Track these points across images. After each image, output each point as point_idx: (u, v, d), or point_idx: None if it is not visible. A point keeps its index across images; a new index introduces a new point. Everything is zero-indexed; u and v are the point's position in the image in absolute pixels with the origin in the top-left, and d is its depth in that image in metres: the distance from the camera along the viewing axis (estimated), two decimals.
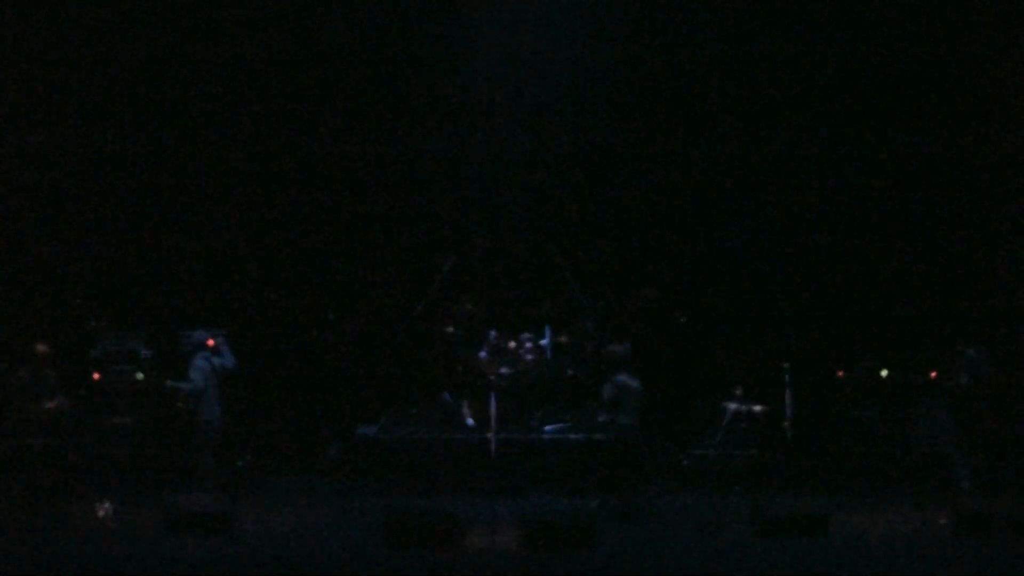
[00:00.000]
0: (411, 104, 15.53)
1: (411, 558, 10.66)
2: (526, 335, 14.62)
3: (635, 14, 15.10)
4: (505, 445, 13.13)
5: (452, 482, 13.29)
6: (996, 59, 14.84)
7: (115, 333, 14.05)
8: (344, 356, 15.57)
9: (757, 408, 12.91)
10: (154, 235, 15.53)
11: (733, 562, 10.65)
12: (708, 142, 15.55)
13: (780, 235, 15.50)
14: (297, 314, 15.66)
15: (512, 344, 14.49)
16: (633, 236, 15.74)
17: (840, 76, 15.15)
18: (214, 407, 12.48)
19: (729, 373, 13.83)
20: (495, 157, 15.62)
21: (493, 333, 14.55)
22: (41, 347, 12.47)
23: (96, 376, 13.65)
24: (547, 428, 13.98)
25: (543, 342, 14.67)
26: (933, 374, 13.40)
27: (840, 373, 13.86)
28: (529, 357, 14.47)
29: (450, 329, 14.75)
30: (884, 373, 13.72)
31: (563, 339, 14.67)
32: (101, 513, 12.04)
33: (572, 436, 13.62)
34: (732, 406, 12.80)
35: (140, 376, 13.67)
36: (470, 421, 14.16)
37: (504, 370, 14.28)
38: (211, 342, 12.74)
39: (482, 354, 14.43)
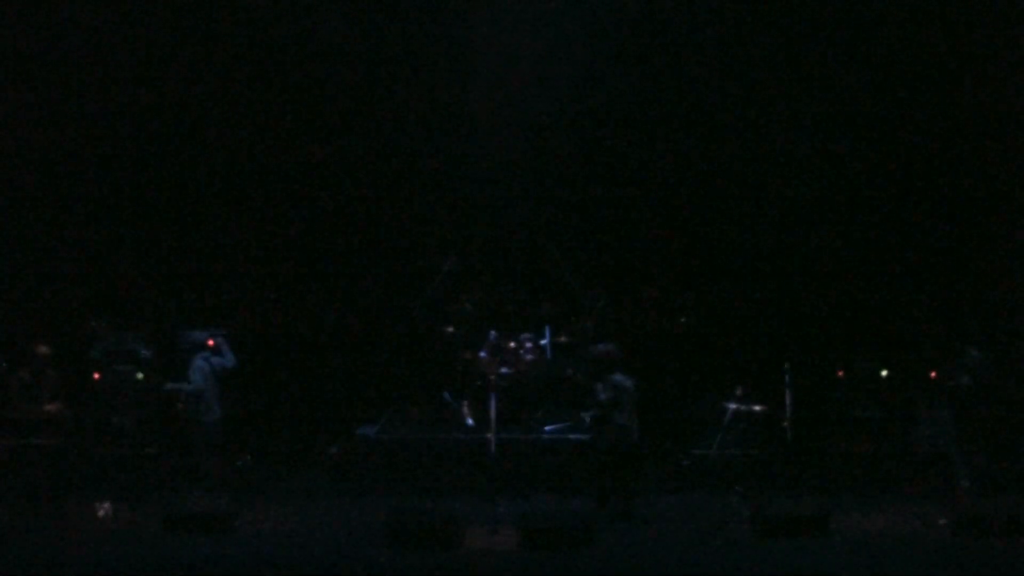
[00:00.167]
0: (411, 104, 15.53)
1: (411, 558, 10.66)
2: (526, 335, 14.61)
3: (635, 14, 15.10)
4: (505, 445, 13.13)
5: (452, 482, 13.28)
6: (997, 58, 14.83)
7: (115, 333, 14.06)
8: (344, 356, 15.57)
9: (757, 408, 12.90)
10: (154, 235, 15.53)
11: (733, 562, 10.65)
12: (708, 141, 15.54)
13: (780, 235, 15.48)
14: (297, 314, 15.66)
15: (512, 344, 14.48)
16: (633, 236, 15.72)
17: (841, 75, 15.14)
18: (214, 407, 12.48)
19: (729, 373, 13.82)
20: (495, 157, 15.61)
21: (493, 333, 14.54)
22: (42, 348, 12.47)
23: (96, 376, 13.65)
24: (547, 428, 13.98)
25: (543, 342, 14.66)
26: (933, 374, 13.40)
27: (840, 373, 13.85)
28: (529, 357, 14.47)
29: (450, 329, 14.75)
30: (884, 373, 13.71)
31: (563, 339, 14.67)
32: (101, 513, 12.04)
33: (572, 436, 13.61)
34: (732, 406, 12.79)
35: (140, 376, 13.67)
36: (470, 421, 14.15)
37: (504, 370, 14.28)
38: (211, 342, 12.73)
39: (482, 354, 14.43)
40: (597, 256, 15.65)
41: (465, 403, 14.35)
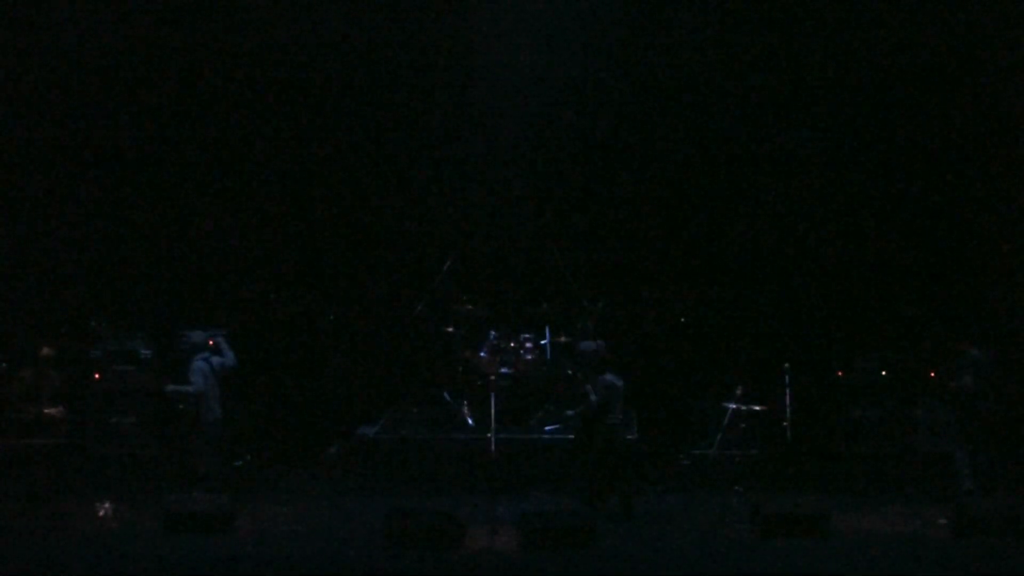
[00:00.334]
0: (412, 103, 15.53)
1: (411, 558, 10.67)
2: (526, 335, 14.61)
3: (635, 13, 15.10)
4: (505, 445, 13.13)
5: (452, 482, 13.28)
6: (998, 58, 14.82)
7: (115, 333, 14.06)
8: (344, 356, 15.58)
9: (757, 408, 12.90)
10: (154, 235, 15.53)
11: (733, 562, 10.66)
12: (709, 142, 15.54)
13: (780, 235, 15.48)
14: (297, 314, 15.66)
15: (512, 344, 14.48)
16: (633, 236, 15.72)
17: (842, 75, 15.14)
18: (214, 407, 12.47)
19: (729, 373, 13.82)
20: (496, 157, 15.62)
21: (493, 333, 14.54)
22: (45, 350, 12.47)
23: (96, 376, 13.65)
24: (547, 428, 13.97)
25: (543, 342, 14.66)
26: (933, 374, 13.40)
27: (840, 373, 13.85)
28: (529, 357, 14.46)
29: (450, 329, 14.74)
30: (884, 373, 13.71)
31: (563, 339, 14.67)
32: (101, 513, 12.04)
33: (572, 436, 13.61)
34: (732, 406, 12.79)
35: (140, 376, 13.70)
36: (470, 421, 14.15)
37: (504, 370, 14.28)
38: (211, 342, 12.73)
39: (482, 354, 14.42)
40: (597, 256, 15.64)
41: (465, 403, 14.35)
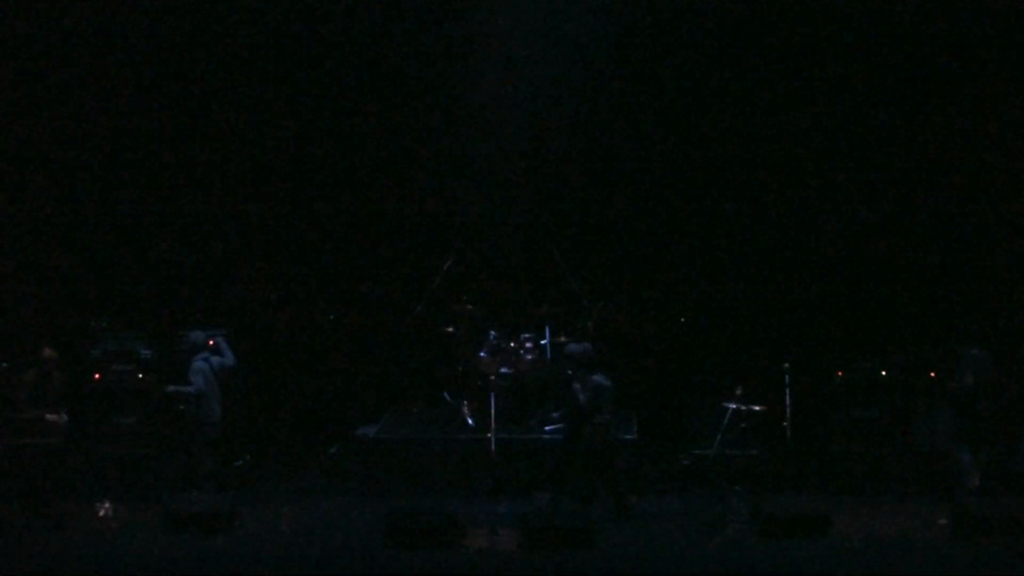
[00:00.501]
0: (412, 103, 15.52)
1: (411, 558, 10.67)
2: (526, 335, 14.61)
3: (636, 13, 15.10)
4: (505, 445, 13.12)
5: (452, 482, 13.28)
6: (998, 57, 14.82)
7: (115, 333, 14.05)
8: (344, 356, 15.57)
9: (757, 408, 12.89)
10: (154, 234, 15.52)
11: (733, 562, 10.65)
12: (709, 141, 15.53)
13: (780, 235, 15.48)
14: (297, 314, 15.66)
15: (512, 344, 14.47)
16: (633, 236, 15.72)
17: (842, 74, 15.14)
18: (214, 408, 12.47)
19: (729, 373, 13.82)
20: (497, 157, 15.61)
21: (493, 333, 14.54)
22: (48, 352, 12.47)
23: (96, 376, 13.64)
24: (547, 428, 13.97)
25: (543, 342, 14.66)
26: (933, 374, 13.39)
27: (840, 373, 13.84)
28: (529, 357, 14.46)
29: (450, 329, 14.74)
30: (884, 373, 13.70)
31: (563, 339, 14.66)
32: (101, 513, 12.04)
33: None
34: (732, 406, 12.78)
35: (140, 376, 13.68)
36: (470, 421, 14.15)
37: (504, 370, 14.27)
38: (211, 343, 12.73)
39: (482, 354, 14.42)
40: (597, 256, 15.63)
41: (465, 403, 14.35)
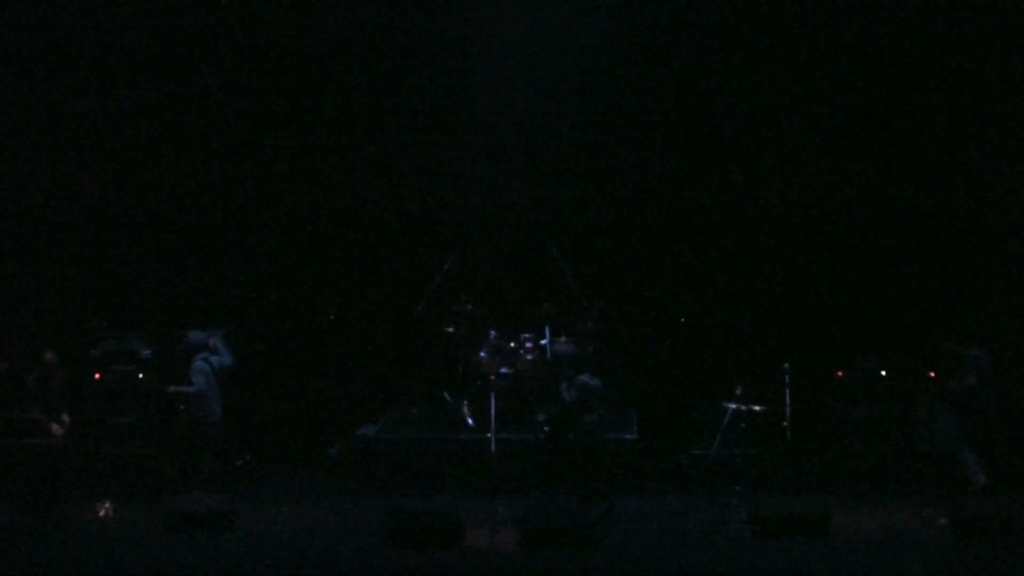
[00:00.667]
0: (412, 102, 15.52)
1: (411, 558, 10.67)
2: (526, 335, 14.61)
3: (634, 14, 15.10)
4: (505, 445, 13.13)
5: (452, 482, 13.28)
6: (998, 58, 14.83)
7: (115, 333, 14.06)
8: (344, 356, 15.57)
9: (757, 408, 12.90)
10: (155, 235, 15.53)
11: (733, 562, 10.66)
12: (709, 141, 15.54)
13: (780, 235, 15.48)
14: (297, 314, 15.66)
15: (512, 344, 14.48)
16: (633, 236, 15.73)
17: (842, 74, 15.14)
18: (215, 407, 12.48)
19: (729, 373, 13.82)
20: (497, 156, 15.62)
21: (493, 333, 14.54)
22: (49, 355, 12.48)
23: (96, 376, 13.65)
24: (547, 428, 13.95)
25: (543, 342, 14.66)
26: (932, 374, 13.40)
27: (840, 373, 13.85)
28: (529, 357, 14.46)
29: (450, 329, 14.74)
30: (884, 373, 13.71)
31: (563, 339, 14.66)
32: (101, 513, 12.04)
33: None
34: (732, 406, 12.78)
35: (140, 376, 13.70)
36: (470, 421, 14.15)
37: (504, 370, 14.27)
38: (210, 343, 12.74)
39: (482, 354, 14.42)
40: (597, 256, 15.63)
41: (465, 403, 14.35)
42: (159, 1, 15.02)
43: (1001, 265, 14.84)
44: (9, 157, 15.13)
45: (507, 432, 13.48)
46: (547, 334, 14.64)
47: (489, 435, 12.77)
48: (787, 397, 12.90)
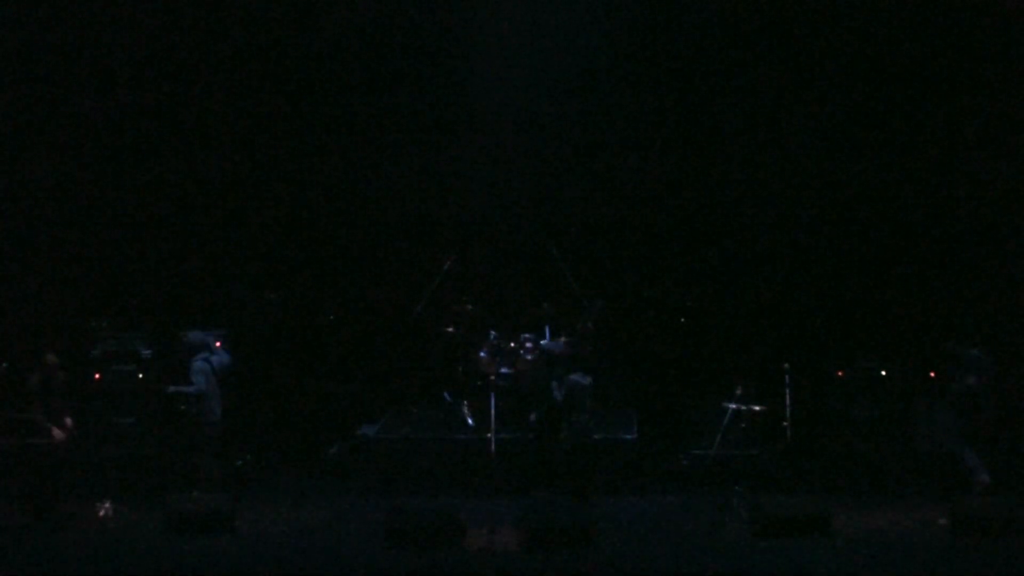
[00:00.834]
0: (412, 102, 15.52)
1: (411, 558, 10.67)
2: (526, 335, 14.61)
3: (634, 14, 15.10)
4: (505, 445, 13.12)
5: (452, 482, 13.28)
6: (999, 57, 14.82)
7: (115, 333, 14.05)
8: (344, 356, 15.57)
9: (757, 408, 12.90)
10: (154, 235, 15.52)
11: (733, 562, 10.65)
12: (709, 141, 15.54)
13: (780, 235, 15.48)
14: (297, 314, 15.66)
15: (512, 344, 14.47)
16: (633, 236, 15.72)
17: (842, 75, 15.14)
18: (215, 407, 12.49)
19: (729, 373, 13.82)
20: (497, 156, 15.61)
21: (493, 333, 14.54)
22: (51, 357, 12.48)
23: (96, 376, 13.65)
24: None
25: (543, 342, 14.65)
26: (932, 374, 13.40)
27: (840, 373, 13.85)
28: (529, 357, 14.46)
29: (450, 329, 14.74)
30: (884, 373, 13.71)
31: (563, 339, 14.66)
32: (101, 513, 12.04)
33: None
34: (732, 406, 12.78)
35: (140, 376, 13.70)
36: (470, 421, 14.15)
37: (504, 370, 14.27)
38: (217, 344, 12.75)
39: (482, 354, 14.41)
40: (597, 255, 15.63)
41: (465, 403, 14.35)
42: (159, 1, 15.02)
43: (1001, 265, 14.83)
44: (9, 157, 15.12)
45: (507, 432, 13.48)
46: (547, 334, 14.64)
47: (489, 435, 12.77)
48: (787, 397, 12.90)
